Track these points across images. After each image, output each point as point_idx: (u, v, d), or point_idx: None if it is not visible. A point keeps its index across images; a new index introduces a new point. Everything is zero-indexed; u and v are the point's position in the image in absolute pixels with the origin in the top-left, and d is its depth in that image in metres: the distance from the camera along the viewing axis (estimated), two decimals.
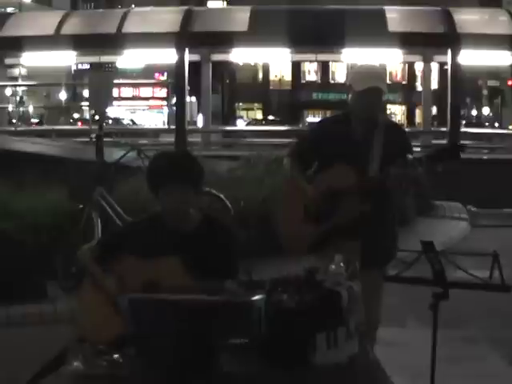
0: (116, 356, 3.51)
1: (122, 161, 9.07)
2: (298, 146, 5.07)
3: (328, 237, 4.64)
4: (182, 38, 23.57)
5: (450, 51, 22.98)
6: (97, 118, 17.98)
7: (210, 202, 8.19)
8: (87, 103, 24.58)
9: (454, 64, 23.15)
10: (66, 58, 26.59)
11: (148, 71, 46.88)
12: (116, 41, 24.07)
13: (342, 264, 3.74)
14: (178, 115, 24.62)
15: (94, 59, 28.43)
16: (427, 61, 25.62)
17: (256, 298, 3.29)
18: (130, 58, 27.50)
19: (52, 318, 7.36)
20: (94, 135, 9.12)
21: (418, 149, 27.32)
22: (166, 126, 32.63)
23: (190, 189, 3.82)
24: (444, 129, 25.21)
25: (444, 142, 24.03)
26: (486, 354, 6.38)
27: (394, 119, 54.84)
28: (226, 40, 23.81)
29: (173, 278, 3.59)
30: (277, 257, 7.98)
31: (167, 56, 25.14)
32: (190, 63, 24.66)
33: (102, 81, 11.81)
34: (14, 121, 29.66)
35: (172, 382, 3.31)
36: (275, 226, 5.02)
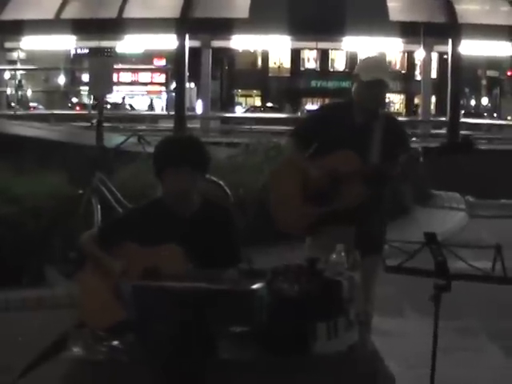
0: (116, 342, 3.51)
1: (121, 146, 9.05)
2: (300, 128, 5.13)
3: (324, 220, 4.69)
4: (183, 23, 23.53)
5: (450, 41, 22.97)
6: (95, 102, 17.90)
7: (209, 189, 8.17)
8: (86, 88, 24.52)
9: (455, 54, 23.15)
10: (66, 43, 26.54)
11: (147, 56, 46.70)
12: (116, 26, 24.01)
13: (342, 254, 3.75)
14: (177, 101, 24.58)
15: (94, 44, 28.32)
16: (428, 50, 25.57)
17: (257, 286, 3.29)
18: (130, 43, 27.44)
19: (50, 302, 7.36)
20: (94, 121, 9.08)
21: (414, 138, 27.40)
22: (165, 112, 32.54)
23: (196, 172, 3.82)
24: (443, 118, 25.22)
25: (443, 131, 24.04)
26: (484, 345, 6.39)
27: (392, 108, 54.87)
28: (227, 26, 23.77)
29: (174, 265, 3.59)
30: (276, 244, 8.00)
31: (167, 41, 25.09)
32: (190, 49, 24.58)
33: (102, 66, 11.76)
34: (12, 104, 29.59)
35: (171, 369, 3.31)
36: (270, 205, 5.06)
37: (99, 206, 8.05)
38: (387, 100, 54.93)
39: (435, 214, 12.80)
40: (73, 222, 7.72)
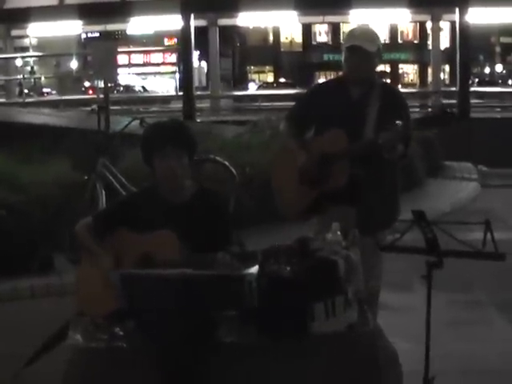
0: (116, 329, 3.51)
1: (126, 130, 9.01)
2: (294, 110, 4.99)
3: (322, 202, 4.61)
4: (187, 3, 23.39)
5: (457, 10, 22.72)
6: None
7: (214, 169, 8.14)
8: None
9: (462, 22, 22.91)
10: (72, 28, 26.51)
11: (158, 36, 46.61)
12: (121, 8, 23.96)
13: (338, 232, 3.71)
14: (185, 81, 24.53)
15: (101, 28, 28.32)
16: (436, 20, 25.36)
17: (249, 269, 3.27)
18: (138, 25, 27.40)
19: (59, 290, 7.36)
20: (94, 106, 9.05)
21: (430, 109, 27.22)
22: (177, 93, 32.37)
23: (182, 152, 3.81)
24: (454, 88, 25.04)
25: (455, 101, 23.87)
26: (492, 318, 6.36)
27: (406, 78, 54.51)
28: (232, 4, 23.64)
29: (167, 251, 3.59)
30: (283, 223, 7.96)
31: (175, 22, 25.00)
32: (202, 27, 24.51)
33: (105, 50, 11.72)
34: (26, 91, 29.60)
35: (170, 355, 3.31)
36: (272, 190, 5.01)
37: (104, 192, 8.04)
38: (401, 70, 54.76)
39: (447, 185, 12.72)
40: (79, 209, 7.72)
